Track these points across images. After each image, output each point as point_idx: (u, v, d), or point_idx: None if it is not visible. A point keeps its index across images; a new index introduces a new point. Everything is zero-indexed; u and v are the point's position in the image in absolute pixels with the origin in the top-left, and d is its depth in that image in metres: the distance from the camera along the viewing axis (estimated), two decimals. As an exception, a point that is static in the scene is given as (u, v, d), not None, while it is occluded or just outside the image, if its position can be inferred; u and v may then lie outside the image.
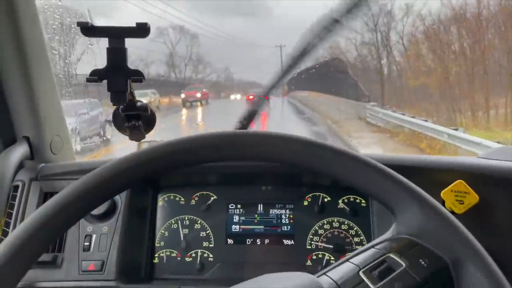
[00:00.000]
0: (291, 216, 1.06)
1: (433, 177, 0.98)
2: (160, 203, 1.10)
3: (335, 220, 1.05)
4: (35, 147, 1.15)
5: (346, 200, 1.06)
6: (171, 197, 1.10)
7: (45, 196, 1.10)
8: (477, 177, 0.95)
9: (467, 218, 0.88)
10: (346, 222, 1.04)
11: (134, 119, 0.84)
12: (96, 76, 0.71)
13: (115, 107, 0.84)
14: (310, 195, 1.07)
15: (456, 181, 0.90)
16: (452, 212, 0.90)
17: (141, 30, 0.70)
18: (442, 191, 0.91)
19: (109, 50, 0.71)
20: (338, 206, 1.05)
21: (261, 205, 1.08)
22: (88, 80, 0.72)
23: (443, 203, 0.91)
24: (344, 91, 15.50)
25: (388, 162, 1.00)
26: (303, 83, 26.02)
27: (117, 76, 0.71)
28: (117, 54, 0.71)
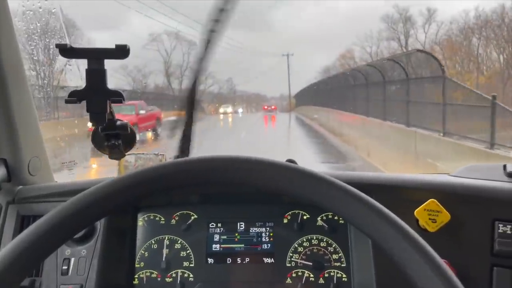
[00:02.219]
0: (271, 234, 1.11)
1: (407, 195, 1.04)
2: (140, 223, 1.14)
3: (314, 238, 1.09)
4: (12, 169, 1.18)
5: (324, 218, 1.10)
6: (151, 217, 1.14)
7: (22, 219, 1.13)
8: (448, 195, 1.01)
9: (439, 236, 0.95)
10: (325, 239, 1.09)
11: (113, 138, 0.89)
12: (74, 97, 0.76)
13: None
14: (290, 212, 1.12)
15: (429, 200, 0.96)
16: (425, 231, 0.96)
17: (121, 52, 0.75)
18: (416, 210, 0.97)
19: (88, 71, 0.76)
20: (317, 224, 1.10)
21: (242, 223, 1.12)
22: (66, 101, 0.76)
23: (416, 221, 0.97)
24: (431, 116, 8.79)
25: (362, 181, 1.07)
26: (323, 96, 22.66)
27: (96, 97, 0.76)
28: (96, 75, 0.76)
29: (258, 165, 0.64)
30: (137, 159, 1.35)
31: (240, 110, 44.40)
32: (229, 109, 39.86)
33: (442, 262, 0.55)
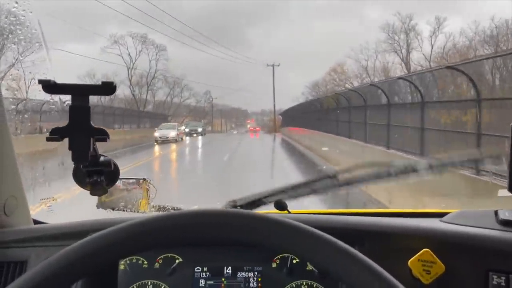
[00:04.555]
0: (259, 279, 1.15)
1: (400, 243, 1.11)
2: (121, 267, 1.16)
3: (304, 283, 1.14)
4: None
5: None
6: (133, 260, 1.16)
7: None
8: (442, 244, 1.08)
9: None
10: (315, 285, 1.14)
11: (96, 174, 0.90)
12: (57, 134, 0.77)
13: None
14: (279, 256, 1.16)
15: (423, 250, 1.03)
16: (419, 281, 1.02)
17: (107, 88, 0.77)
18: (409, 260, 1.03)
19: (72, 108, 0.78)
20: (307, 268, 1.15)
21: (229, 267, 1.16)
22: (48, 139, 0.78)
23: (410, 271, 1.03)
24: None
25: (355, 227, 1.14)
26: (327, 119, 19.29)
27: (79, 135, 0.78)
28: (80, 112, 0.78)
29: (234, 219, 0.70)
30: (124, 183, 1.40)
31: (200, 129, 34.74)
32: (173, 133, 25.31)
33: None
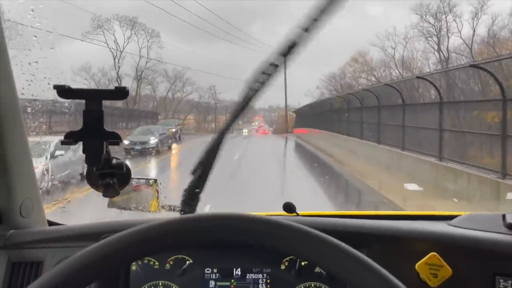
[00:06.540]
0: (268, 281, 1.23)
1: (407, 246, 1.18)
2: (133, 267, 1.24)
3: (312, 285, 1.21)
4: (3, 211, 1.27)
5: None
6: (145, 261, 1.25)
7: (12, 266, 1.21)
8: (449, 247, 1.15)
9: None
10: (323, 287, 1.21)
11: (108, 176, 0.98)
12: (71, 138, 0.84)
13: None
14: (288, 258, 1.24)
15: (430, 254, 1.09)
16: (426, 284, 1.08)
17: (119, 93, 0.84)
18: (417, 264, 1.09)
19: (85, 112, 0.84)
20: (315, 270, 1.22)
21: (238, 269, 1.24)
22: (62, 143, 0.85)
23: (417, 275, 1.10)
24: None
25: (362, 230, 1.21)
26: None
27: (93, 139, 0.85)
28: (93, 116, 0.85)
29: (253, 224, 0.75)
30: (136, 183, 1.47)
31: (153, 139, 19.25)
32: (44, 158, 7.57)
33: None
